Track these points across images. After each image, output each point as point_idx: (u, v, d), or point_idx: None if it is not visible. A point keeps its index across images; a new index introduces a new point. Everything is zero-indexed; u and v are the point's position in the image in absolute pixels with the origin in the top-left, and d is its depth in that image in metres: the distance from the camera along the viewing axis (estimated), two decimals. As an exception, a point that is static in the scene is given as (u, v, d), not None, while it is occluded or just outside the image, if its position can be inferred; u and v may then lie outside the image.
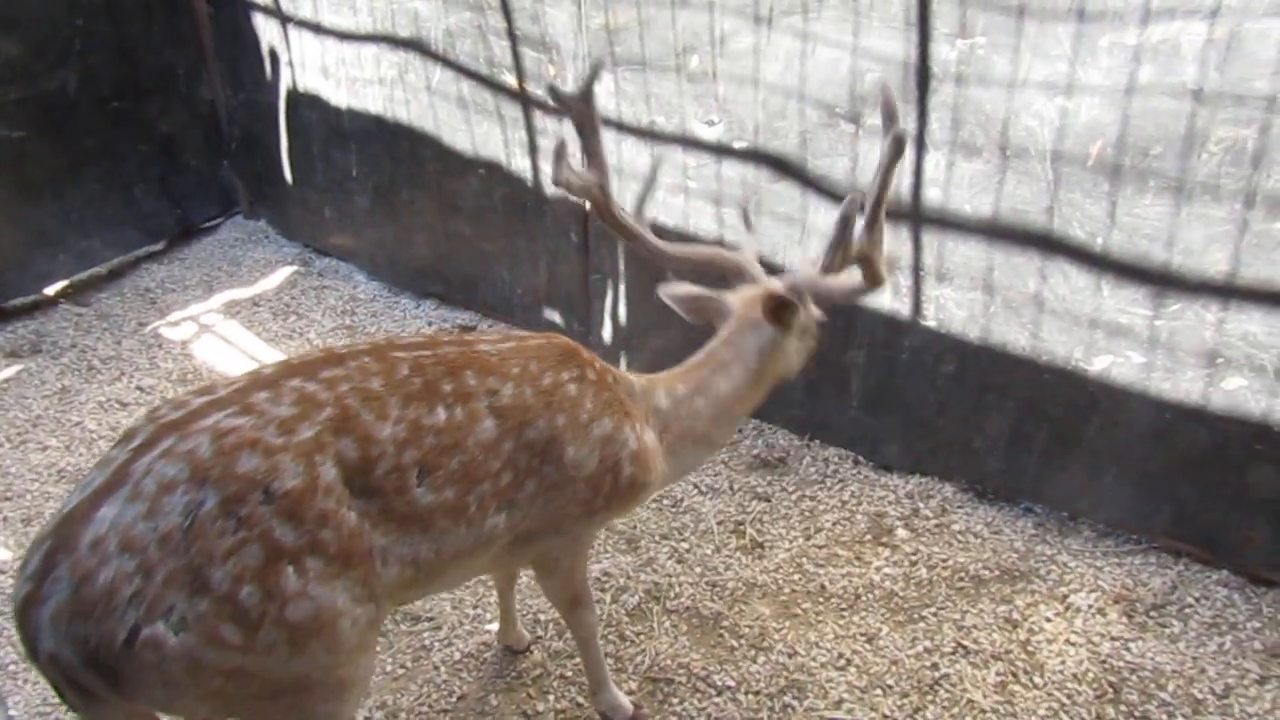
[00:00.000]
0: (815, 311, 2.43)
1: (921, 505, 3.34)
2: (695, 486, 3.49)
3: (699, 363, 2.47)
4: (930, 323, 3.15)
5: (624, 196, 3.63)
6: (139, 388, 4.11)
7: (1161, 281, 2.67)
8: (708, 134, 3.32)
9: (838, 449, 3.62)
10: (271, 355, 4.31)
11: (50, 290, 4.74)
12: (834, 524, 3.30)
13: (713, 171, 3.37)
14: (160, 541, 1.65)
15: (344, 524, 1.81)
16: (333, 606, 1.79)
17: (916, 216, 3.01)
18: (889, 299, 3.20)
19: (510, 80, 3.77)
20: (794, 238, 3.31)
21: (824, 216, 3.20)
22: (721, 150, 3.32)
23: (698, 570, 3.14)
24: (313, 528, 1.76)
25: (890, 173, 2.14)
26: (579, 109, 2.29)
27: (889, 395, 3.38)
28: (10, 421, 3.88)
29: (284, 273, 4.98)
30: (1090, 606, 2.90)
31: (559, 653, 2.86)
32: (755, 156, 3.25)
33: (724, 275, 2.51)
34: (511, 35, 3.65)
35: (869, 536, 3.23)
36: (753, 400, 2.49)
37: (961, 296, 3.04)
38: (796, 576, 3.09)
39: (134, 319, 4.59)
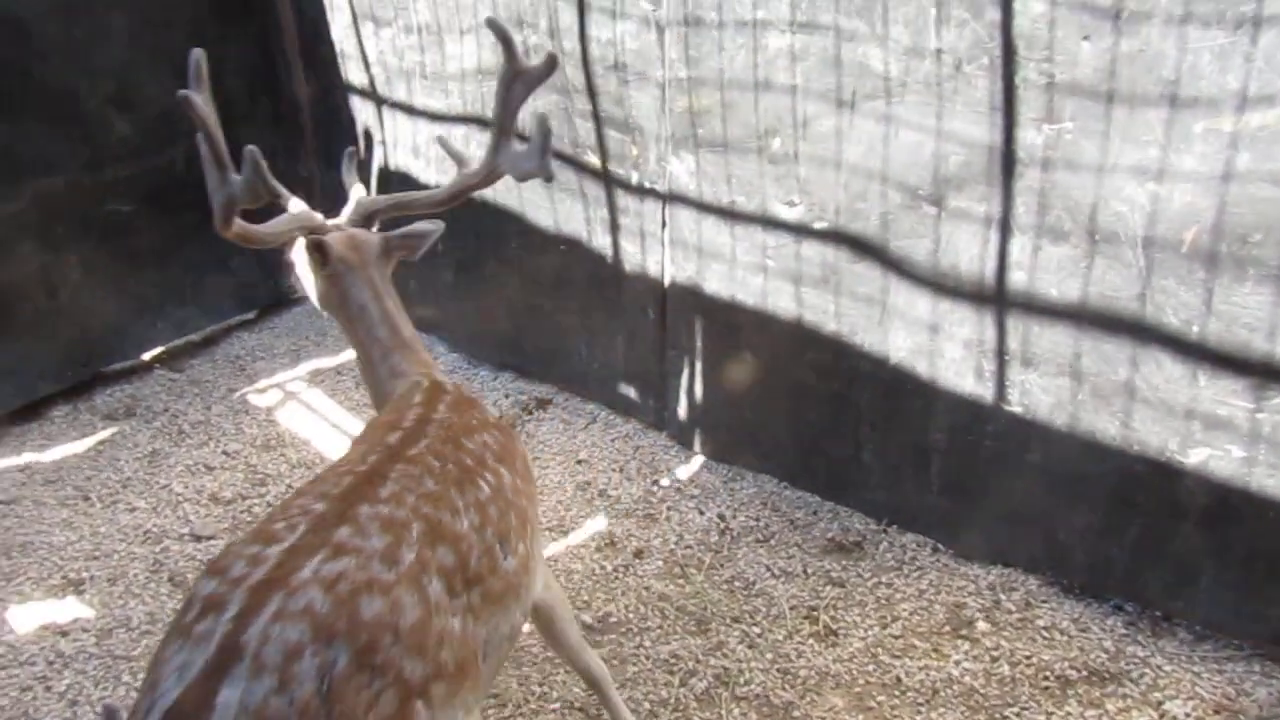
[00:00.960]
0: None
1: (1004, 597, 3.21)
2: (768, 569, 3.42)
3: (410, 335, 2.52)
4: (1015, 408, 3.07)
5: (705, 274, 3.66)
6: (225, 452, 4.22)
7: (1263, 373, 2.56)
8: (788, 214, 3.33)
9: (915, 535, 3.52)
10: (352, 423, 4.40)
11: (147, 356, 4.94)
12: (911, 613, 3.19)
13: (792, 251, 3.38)
14: (299, 714, 1.43)
15: (454, 635, 1.72)
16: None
17: (1001, 300, 2.95)
18: (972, 382, 3.13)
19: (593, 160, 3.85)
20: (874, 319, 3.28)
21: (904, 298, 3.17)
22: (801, 230, 3.32)
23: (769, 656, 3.05)
24: (434, 652, 1.65)
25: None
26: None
27: (970, 482, 3.29)
28: (103, 482, 4.01)
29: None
30: (1188, 716, 2.73)
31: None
32: (835, 237, 3.25)
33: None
34: (596, 117, 3.75)
35: (948, 628, 3.12)
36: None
37: (1048, 382, 2.96)
38: (871, 667, 2.98)
39: (224, 385, 4.74)
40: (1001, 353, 3.03)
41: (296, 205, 2.47)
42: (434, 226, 2.63)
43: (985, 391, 3.12)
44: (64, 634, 3.22)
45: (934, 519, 3.45)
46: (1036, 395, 3.01)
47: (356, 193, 2.62)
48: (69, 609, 3.34)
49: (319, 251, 2.38)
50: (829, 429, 3.61)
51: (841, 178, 3.14)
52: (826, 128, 3.11)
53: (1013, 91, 2.68)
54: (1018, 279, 2.90)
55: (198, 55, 2.19)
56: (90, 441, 4.29)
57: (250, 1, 4.87)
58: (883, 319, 3.27)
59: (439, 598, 1.71)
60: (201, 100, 2.18)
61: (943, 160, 2.90)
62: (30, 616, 3.30)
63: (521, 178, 2.50)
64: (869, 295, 3.26)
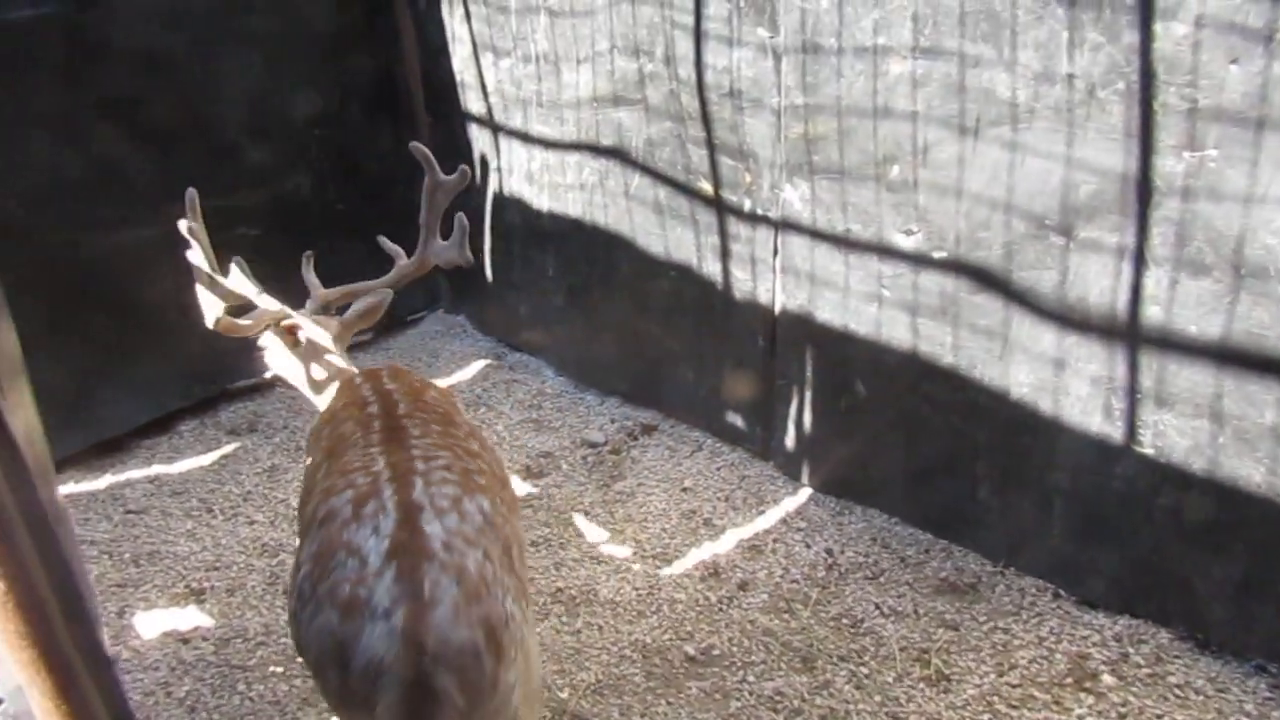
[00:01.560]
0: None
1: (1132, 650, 3.03)
2: (877, 608, 3.32)
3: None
4: (1147, 450, 2.91)
5: (817, 303, 3.60)
6: (339, 468, 4.33)
7: None
8: (905, 243, 3.25)
9: (1035, 579, 3.36)
10: (461, 444, 4.47)
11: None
12: (1030, 662, 3.04)
13: (909, 281, 3.29)
14: (481, 532, 1.91)
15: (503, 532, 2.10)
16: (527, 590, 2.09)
17: (1134, 335, 2.81)
18: (1100, 421, 2.98)
19: (706, 187, 3.84)
20: (994, 352, 3.16)
21: (1028, 331, 3.05)
22: (919, 259, 3.24)
23: (877, 699, 2.95)
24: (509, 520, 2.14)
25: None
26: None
27: (1096, 525, 3.13)
28: (225, 495, 4.16)
29: (478, 365, 5.19)
30: (1342, 788, 2.52)
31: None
32: (955, 267, 3.15)
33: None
34: (710, 144, 3.74)
35: (1070, 680, 2.95)
36: None
37: (1184, 424, 2.80)
38: (987, 717, 2.85)
39: (340, 403, 4.89)
40: (1133, 391, 2.88)
41: (268, 302, 2.89)
42: (380, 297, 3.02)
43: (1114, 431, 2.97)
44: (185, 641, 3.34)
45: (1055, 563, 3.29)
46: (1171, 437, 2.84)
47: (314, 288, 3.19)
48: (190, 617, 3.46)
49: (290, 334, 2.92)
50: (944, 465, 3.49)
51: (963, 206, 3.05)
52: (948, 155, 3.02)
53: (1151, 117, 2.56)
54: (1153, 314, 2.75)
55: (191, 194, 2.81)
56: (214, 455, 4.47)
57: (376, 34, 5.05)
58: (1004, 352, 3.15)
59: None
60: (197, 227, 2.80)
61: (1072, 189, 2.78)
62: (155, 623, 3.44)
63: (447, 265, 3.06)
64: (989, 328, 3.15)
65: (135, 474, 4.32)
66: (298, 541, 2.17)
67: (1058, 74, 2.69)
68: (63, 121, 4.06)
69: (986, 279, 3.09)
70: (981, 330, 3.17)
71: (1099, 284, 2.83)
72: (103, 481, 4.28)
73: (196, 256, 2.77)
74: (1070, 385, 3.02)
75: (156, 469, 4.37)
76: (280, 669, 3.22)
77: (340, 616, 1.73)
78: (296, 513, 2.85)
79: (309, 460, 2.48)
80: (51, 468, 1.49)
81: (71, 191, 4.14)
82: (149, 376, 4.56)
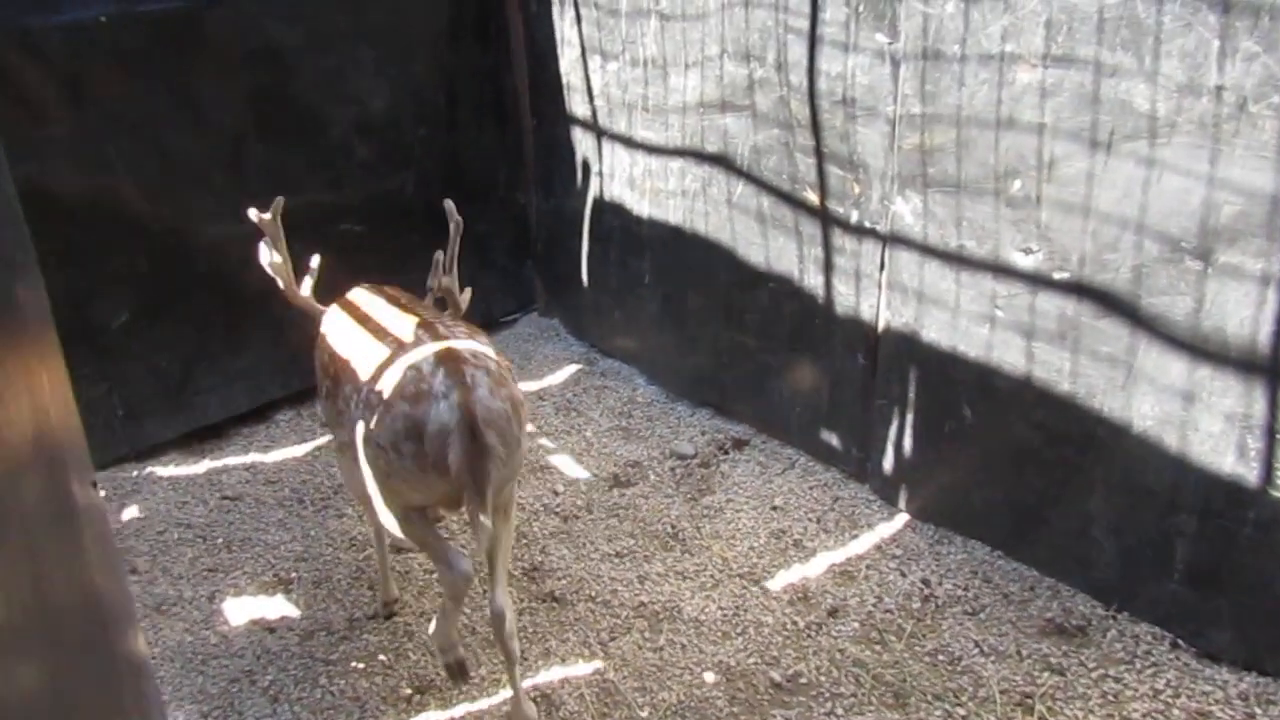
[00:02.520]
0: None
1: (1259, 711, 2.80)
2: (977, 645, 3.14)
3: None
4: (1285, 495, 2.69)
5: (924, 321, 3.45)
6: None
7: None
8: (1024, 262, 3.08)
9: (1151, 626, 3.14)
10: (549, 448, 4.43)
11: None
12: (1144, 716, 2.83)
13: (1025, 302, 3.12)
14: (501, 381, 2.58)
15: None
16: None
17: (1276, 370, 2.60)
18: (1232, 461, 2.77)
19: (812, 197, 3.73)
20: (1117, 381, 2.97)
21: (1155, 361, 2.85)
22: (1038, 280, 3.06)
23: (975, 743, 2.79)
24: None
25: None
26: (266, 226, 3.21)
27: (1223, 573, 2.90)
28: (316, 486, 4.20)
29: (569, 370, 5.15)
30: None
31: None
32: (1077, 289, 2.97)
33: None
34: (818, 153, 3.62)
35: (1189, 738, 2.75)
36: None
37: (1331, 469, 2.57)
38: (1095, 772, 2.66)
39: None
40: (1272, 430, 2.66)
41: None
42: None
43: (1248, 472, 2.75)
44: (271, 630, 3.37)
45: (1174, 610, 3.06)
46: (1315, 482, 2.62)
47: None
48: (277, 606, 3.49)
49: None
50: (1054, 498, 3.30)
51: (1089, 225, 2.87)
52: (1076, 170, 2.85)
53: (1309, 134, 2.36)
54: (1300, 347, 2.54)
55: (279, 202, 3.20)
56: (308, 446, 4.53)
57: (486, 36, 5.07)
58: (1127, 382, 2.95)
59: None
60: (275, 226, 3.22)
61: (1214, 210, 2.59)
62: (243, 610, 3.48)
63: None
64: (1112, 355, 2.96)
65: (233, 460, 4.41)
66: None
67: (1205, 86, 2.50)
68: (182, 113, 4.17)
69: (1112, 303, 2.91)
70: (1104, 358, 2.98)
71: (1239, 313, 2.63)
72: (201, 466, 4.38)
73: (270, 254, 3.26)
74: (1200, 421, 2.81)
75: (253, 457, 4.44)
76: (362, 664, 3.21)
77: (411, 405, 2.49)
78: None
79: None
80: (84, 460, 1.43)
81: (186, 181, 4.24)
82: (251, 365, 4.66)
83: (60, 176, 3.90)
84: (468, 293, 3.29)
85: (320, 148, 4.65)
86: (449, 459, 2.42)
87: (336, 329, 3.15)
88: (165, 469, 4.36)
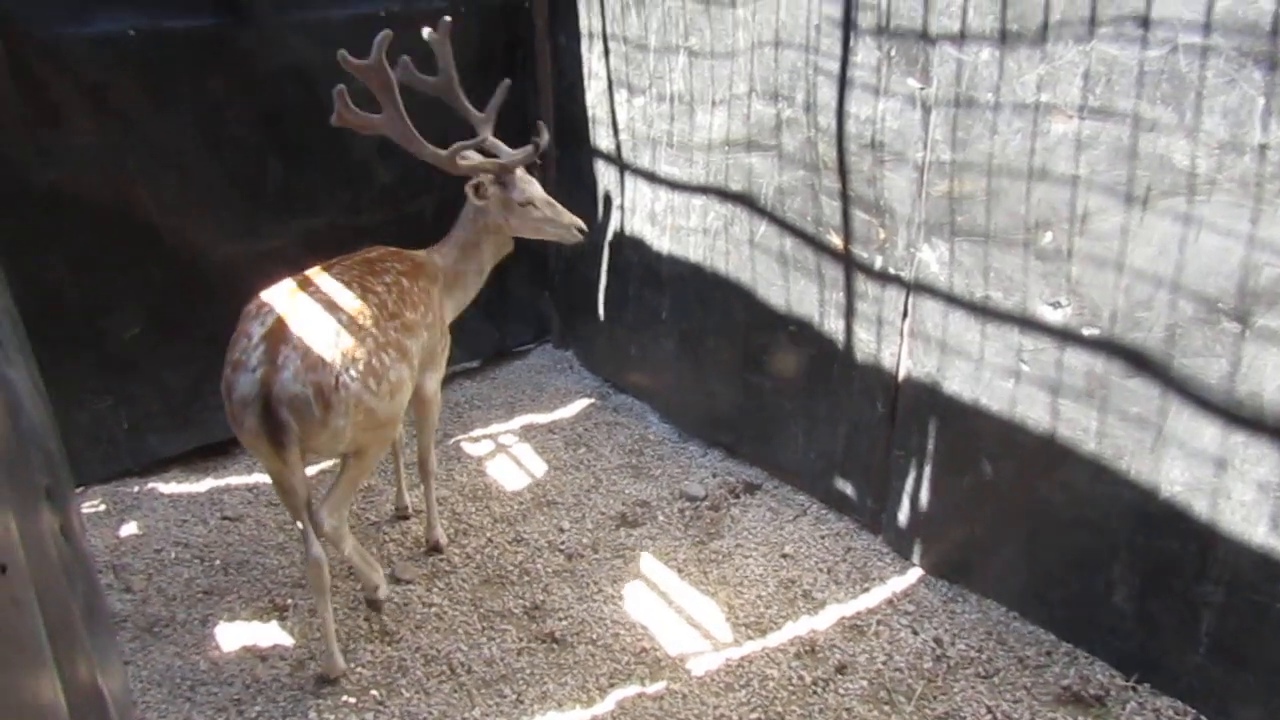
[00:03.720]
0: (519, 192, 3.72)
1: (1286, 796, 2.67)
2: (989, 711, 3.03)
3: (451, 234, 3.82)
4: (1320, 571, 2.57)
5: (946, 372, 3.37)
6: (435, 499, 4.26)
7: None
8: (1052, 316, 3.00)
9: (1173, 699, 3.02)
10: (556, 483, 4.35)
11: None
12: (1164, 795, 2.71)
13: (1052, 358, 3.04)
14: (334, 335, 2.95)
15: (389, 335, 3.17)
16: (404, 375, 3.19)
17: (1315, 440, 2.50)
18: (1264, 532, 2.66)
19: (835, 241, 3.66)
20: (1145, 444, 2.87)
21: (1186, 424, 2.75)
22: (1066, 335, 2.98)
23: (986, 815, 2.66)
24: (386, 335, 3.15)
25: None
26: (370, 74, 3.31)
27: (1252, 647, 2.78)
28: (319, 509, 4.12)
29: (581, 404, 5.08)
30: None
31: None
32: (1107, 347, 2.88)
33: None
34: (844, 196, 3.56)
35: (1211, 822, 2.62)
36: (482, 255, 3.85)
37: (1370, 546, 2.46)
38: None
39: (440, 430, 4.83)
40: (1309, 502, 2.56)
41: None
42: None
43: (1281, 545, 2.64)
44: (263, 659, 3.28)
45: (1199, 684, 2.94)
46: (1352, 559, 2.51)
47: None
48: (271, 633, 3.40)
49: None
50: (1075, 560, 3.19)
51: (1122, 281, 2.79)
52: (1110, 225, 2.77)
53: (1356, 198, 2.28)
54: (1341, 418, 2.44)
55: (386, 34, 3.25)
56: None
57: (513, 66, 5.05)
58: (1156, 445, 2.85)
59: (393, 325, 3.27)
60: (384, 71, 3.32)
61: (1254, 271, 2.50)
62: (236, 635, 3.39)
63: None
64: (1141, 416, 2.87)
65: (235, 480, 4.34)
66: None
67: (1248, 144, 2.43)
68: (204, 129, 4.15)
69: (1142, 363, 2.82)
70: (1132, 418, 2.89)
71: (1276, 379, 2.53)
72: (204, 484, 4.31)
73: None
74: (1232, 488, 2.71)
75: (256, 477, 4.37)
76: (353, 699, 3.12)
77: (231, 369, 2.89)
78: None
79: None
80: (61, 484, 1.33)
81: (204, 197, 4.22)
82: (259, 385, 4.59)
83: (81, 185, 3.88)
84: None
85: (341, 170, 4.62)
86: (245, 425, 2.85)
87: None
88: (167, 486, 4.29)
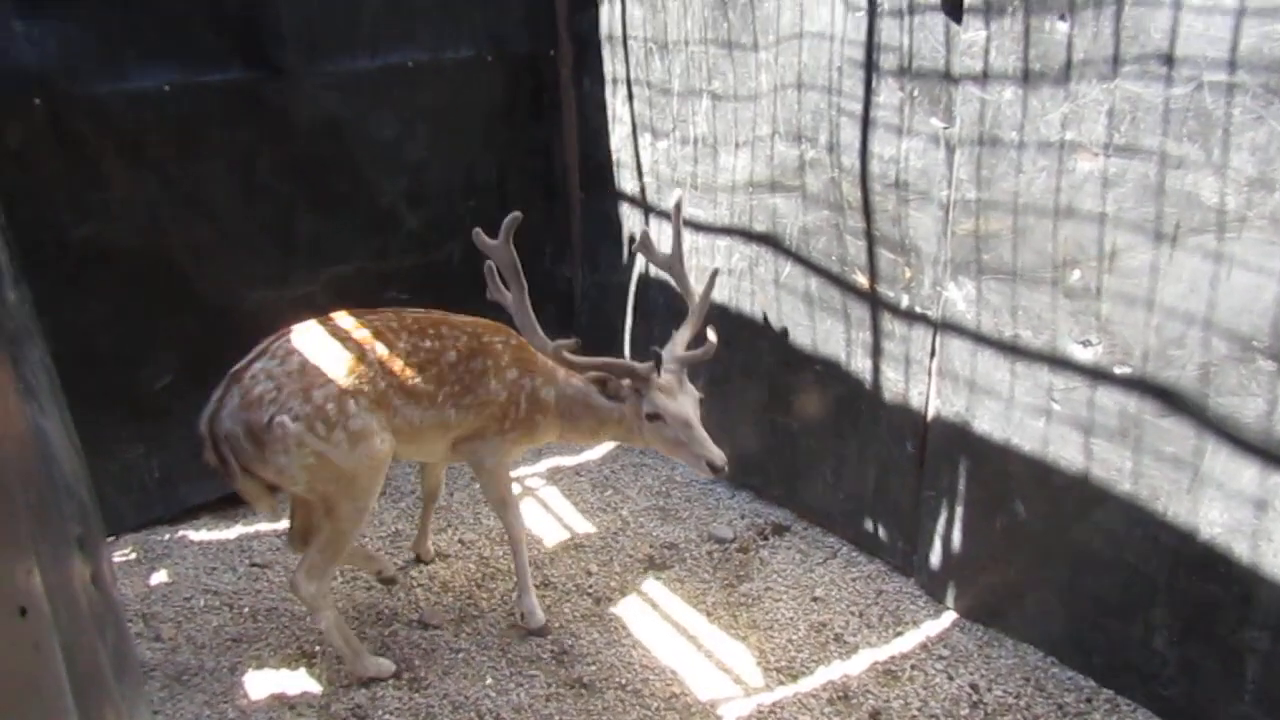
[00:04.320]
0: (648, 402, 3.26)
1: None
2: (1029, 760, 2.95)
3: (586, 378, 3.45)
4: (1369, 615, 2.50)
5: (976, 412, 3.33)
6: (460, 541, 4.25)
7: None
8: (1082, 355, 2.96)
9: (1219, 749, 2.93)
10: (583, 526, 4.33)
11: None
12: None
13: (1084, 397, 2.99)
14: (287, 375, 3.02)
15: (377, 387, 3.14)
16: (370, 427, 3.09)
17: (1357, 480, 2.44)
18: (1309, 575, 2.59)
19: (861, 280, 3.65)
20: (1182, 485, 2.81)
21: (1224, 464, 2.70)
22: (1098, 374, 2.94)
23: None
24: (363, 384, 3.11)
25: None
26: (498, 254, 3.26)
27: (1299, 696, 2.70)
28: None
29: (607, 447, 5.07)
30: None
31: None
32: (1140, 385, 2.84)
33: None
34: (869, 236, 3.56)
35: None
36: (598, 429, 3.54)
37: None
38: None
39: (468, 473, 4.83)
40: (1354, 544, 2.49)
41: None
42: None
43: (1328, 588, 2.57)
44: (291, 707, 3.27)
45: (1245, 733, 2.85)
46: (1402, 602, 2.43)
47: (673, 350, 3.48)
48: (299, 681, 3.39)
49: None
50: (1113, 605, 3.12)
51: (1153, 319, 2.76)
52: (1139, 262, 2.74)
53: (1391, 233, 2.24)
54: (1384, 457, 2.38)
55: (514, 217, 3.19)
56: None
57: (540, 113, 5.12)
58: (1193, 486, 2.79)
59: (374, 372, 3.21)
60: (506, 250, 3.24)
61: (1288, 308, 2.46)
62: (264, 683, 3.38)
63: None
64: (1177, 456, 2.81)
65: (264, 527, 4.36)
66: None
67: (1277, 180, 2.40)
68: (236, 180, 4.23)
69: (1176, 402, 2.77)
70: (1168, 458, 2.83)
71: (1315, 418, 2.48)
72: (233, 532, 4.33)
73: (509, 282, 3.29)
74: (1274, 530, 2.64)
75: (284, 524, 4.38)
76: (380, 748, 3.09)
77: (204, 405, 3.04)
78: None
79: None
80: (92, 533, 1.33)
81: (236, 246, 4.29)
82: (289, 430, 4.63)
83: (116, 238, 3.95)
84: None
85: (370, 217, 4.68)
86: (204, 458, 3.05)
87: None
88: (197, 533, 4.32)
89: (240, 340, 4.32)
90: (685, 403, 3.25)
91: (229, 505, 4.47)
